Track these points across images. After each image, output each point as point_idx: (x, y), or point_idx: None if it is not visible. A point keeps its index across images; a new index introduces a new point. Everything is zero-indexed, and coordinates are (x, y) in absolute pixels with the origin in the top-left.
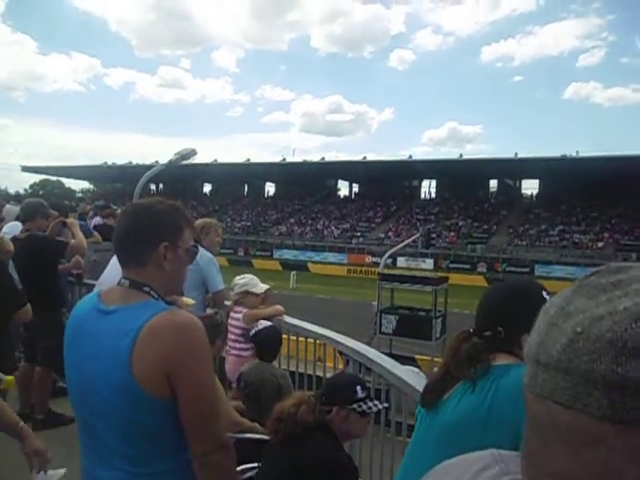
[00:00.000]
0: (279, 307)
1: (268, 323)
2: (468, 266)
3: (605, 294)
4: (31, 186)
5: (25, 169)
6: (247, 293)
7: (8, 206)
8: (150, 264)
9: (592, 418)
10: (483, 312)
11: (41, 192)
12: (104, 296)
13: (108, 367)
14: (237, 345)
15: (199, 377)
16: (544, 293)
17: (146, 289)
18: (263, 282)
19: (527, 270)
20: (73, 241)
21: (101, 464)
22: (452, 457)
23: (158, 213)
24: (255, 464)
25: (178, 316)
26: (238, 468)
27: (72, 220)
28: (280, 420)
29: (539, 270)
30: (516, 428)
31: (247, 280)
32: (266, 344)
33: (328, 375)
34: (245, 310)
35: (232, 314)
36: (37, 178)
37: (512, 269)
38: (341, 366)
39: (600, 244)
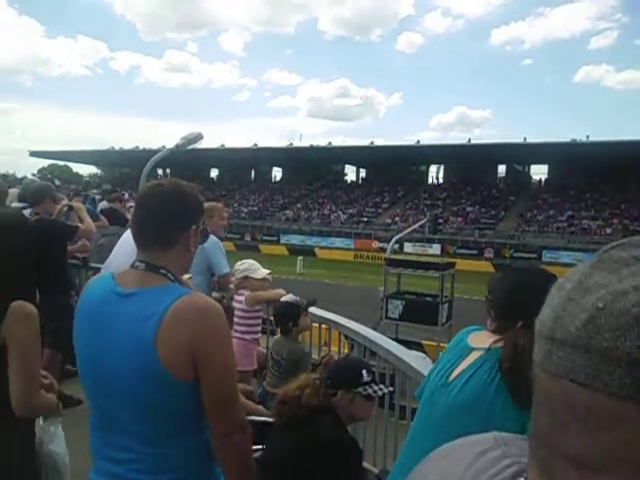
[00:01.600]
0: (280, 290)
1: (290, 297)
2: (475, 252)
3: (628, 268)
4: (39, 171)
5: (33, 154)
6: (247, 278)
7: (10, 190)
8: (177, 246)
9: (612, 397)
10: (520, 303)
11: (49, 176)
12: (119, 279)
13: (130, 350)
14: (239, 328)
15: (224, 359)
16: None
17: (162, 272)
18: (265, 267)
19: (535, 256)
20: (82, 225)
21: (114, 445)
22: (454, 440)
23: (186, 195)
24: (259, 446)
25: (201, 300)
26: None
27: (79, 204)
28: (284, 403)
29: (546, 256)
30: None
31: (247, 265)
32: (276, 317)
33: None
34: (247, 293)
35: (235, 296)
36: (45, 163)
37: (520, 255)
38: (346, 350)
39: (609, 230)
